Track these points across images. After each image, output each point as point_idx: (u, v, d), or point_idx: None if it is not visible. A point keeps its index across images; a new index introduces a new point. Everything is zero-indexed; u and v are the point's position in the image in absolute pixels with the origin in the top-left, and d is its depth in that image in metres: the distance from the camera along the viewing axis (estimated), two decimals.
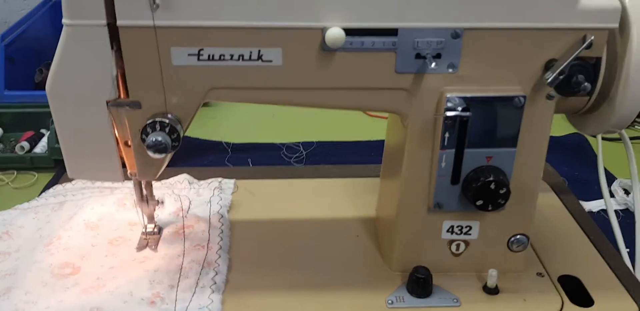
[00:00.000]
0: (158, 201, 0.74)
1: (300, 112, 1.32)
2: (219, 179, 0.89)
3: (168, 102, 0.61)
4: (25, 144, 1.08)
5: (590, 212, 1.06)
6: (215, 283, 0.68)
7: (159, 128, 0.59)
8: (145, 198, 0.73)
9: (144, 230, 0.75)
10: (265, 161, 1.15)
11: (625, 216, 1.05)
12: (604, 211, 1.07)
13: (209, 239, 0.75)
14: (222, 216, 0.80)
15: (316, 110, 1.34)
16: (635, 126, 1.28)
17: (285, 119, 1.30)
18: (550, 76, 0.59)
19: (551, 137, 1.15)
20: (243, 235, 0.77)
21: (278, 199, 0.85)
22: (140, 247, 0.73)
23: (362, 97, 0.62)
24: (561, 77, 0.59)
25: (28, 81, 1.31)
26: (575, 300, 0.68)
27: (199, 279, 0.68)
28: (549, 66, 0.60)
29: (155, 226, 0.75)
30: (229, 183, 0.88)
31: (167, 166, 0.99)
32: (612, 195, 1.07)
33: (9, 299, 0.66)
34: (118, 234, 0.77)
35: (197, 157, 1.13)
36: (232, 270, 0.71)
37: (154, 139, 0.59)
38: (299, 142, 1.21)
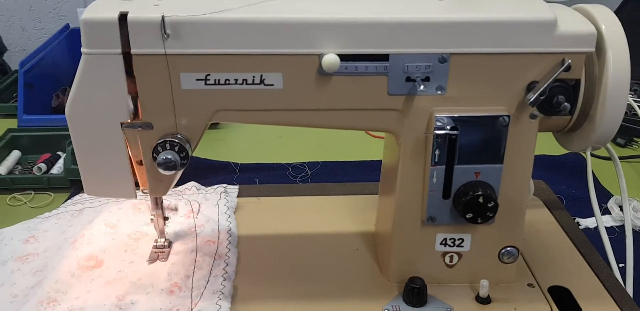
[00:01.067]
0: (174, 207, 0.78)
1: (306, 133, 1.36)
2: (224, 185, 0.97)
3: (178, 123, 0.66)
4: (43, 166, 1.13)
5: (587, 228, 1.09)
6: (226, 272, 0.76)
7: (169, 147, 0.64)
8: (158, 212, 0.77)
9: (155, 244, 0.79)
10: (272, 180, 1.19)
11: (621, 232, 1.07)
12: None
13: (218, 236, 0.83)
14: (229, 216, 0.87)
15: (321, 131, 1.39)
16: (634, 145, 1.32)
17: (291, 140, 1.35)
18: (532, 97, 0.64)
19: (549, 156, 1.20)
20: (248, 248, 0.81)
21: (282, 214, 0.89)
22: (152, 260, 0.77)
23: (358, 117, 0.67)
24: (542, 97, 0.64)
25: (45, 106, 1.37)
26: (564, 310, 0.71)
27: (211, 269, 0.76)
28: (530, 87, 0.65)
29: (165, 239, 0.79)
30: (233, 188, 0.96)
31: (178, 185, 1.05)
32: (609, 212, 1.10)
33: (41, 287, 0.73)
34: (135, 230, 0.83)
35: (207, 177, 1.17)
36: (237, 280, 0.75)
37: (164, 157, 0.63)
38: (305, 162, 1.25)
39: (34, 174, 1.11)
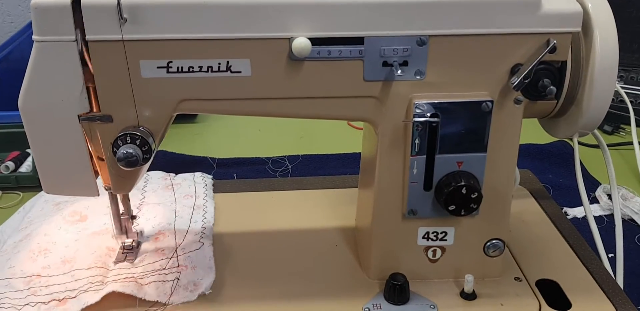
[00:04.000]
0: (134, 216, 0.74)
1: (286, 126, 1.33)
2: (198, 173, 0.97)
3: (139, 115, 0.61)
4: (10, 164, 1.08)
5: (576, 218, 1.06)
6: (205, 218, 0.82)
7: (129, 141, 0.60)
8: (122, 212, 0.73)
9: (121, 244, 0.75)
10: (251, 175, 1.15)
11: (610, 221, 1.05)
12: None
13: (195, 191, 0.89)
14: (205, 179, 0.93)
15: (301, 124, 1.36)
16: (621, 132, 1.29)
17: (271, 133, 1.31)
18: (516, 81, 0.60)
19: (536, 145, 1.17)
20: (224, 246, 0.77)
21: (260, 210, 0.85)
22: (118, 260, 0.72)
23: (332, 105, 0.63)
24: (526, 81, 0.60)
25: (13, 102, 1.31)
26: (553, 304, 0.68)
27: (191, 217, 0.82)
28: (514, 70, 0.61)
29: (133, 240, 0.75)
30: (208, 177, 0.96)
31: None
32: (597, 201, 1.08)
33: (31, 239, 0.77)
34: None
35: (183, 173, 1.13)
36: (213, 285, 0.71)
37: (124, 152, 0.59)
38: (285, 156, 1.22)
39: (1, 172, 1.06)
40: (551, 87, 0.61)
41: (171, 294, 0.68)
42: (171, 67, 0.59)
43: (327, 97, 0.62)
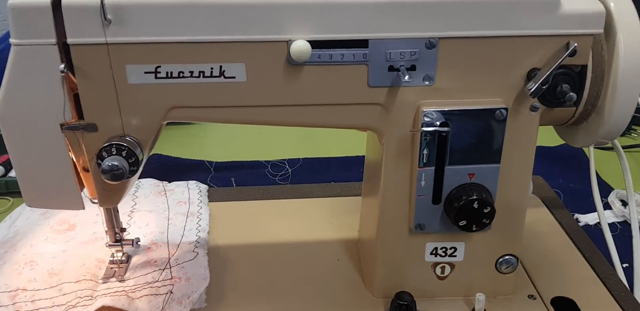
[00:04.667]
0: (124, 229, 0.70)
1: (286, 128, 1.28)
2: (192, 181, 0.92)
3: (126, 124, 0.57)
4: (0, 169, 1.04)
5: (587, 225, 1.02)
6: (200, 225, 0.78)
7: (115, 152, 0.55)
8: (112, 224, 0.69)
9: (111, 258, 0.70)
10: (249, 180, 1.11)
11: (624, 228, 1.01)
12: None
13: (189, 197, 0.85)
14: (199, 186, 0.89)
15: None
16: (632, 134, 1.24)
17: (270, 136, 1.27)
18: (533, 86, 0.56)
19: (545, 147, 1.12)
20: (219, 259, 0.73)
21: (257, 220, 0.81)
22: (107, 277, 0.68)
23: (334, 113, 0.58)
24: (544, 87, 0.56)
25: None
26: None
27: (185, 225, 0.78)
28: (531, 75, 0.57)
29: (123, 254, 0.70)
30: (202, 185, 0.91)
31: None
32: (609, 207, 1.03)
33: (16, 251, 0.73)
34: None
35: (178, 177, 1.08)
36: (208, 298, 0.66)
37: (110, 164, 0.55)
38: (285, 160, 1.17)
39: None
40: (571, 93, 0.56)
41: (163, 308, 0.64)
42: (160, 72, 0.55)
43: (328, 104, 0.58)
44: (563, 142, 1.21)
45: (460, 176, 0.60)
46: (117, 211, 0.69)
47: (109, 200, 0.62)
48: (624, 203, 1.07)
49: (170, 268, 0.69)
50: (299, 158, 1.18)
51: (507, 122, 0.58)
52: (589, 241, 0.77)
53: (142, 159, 0.57)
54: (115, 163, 0.55)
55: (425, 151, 0.59)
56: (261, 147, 1.22)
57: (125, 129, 0.57)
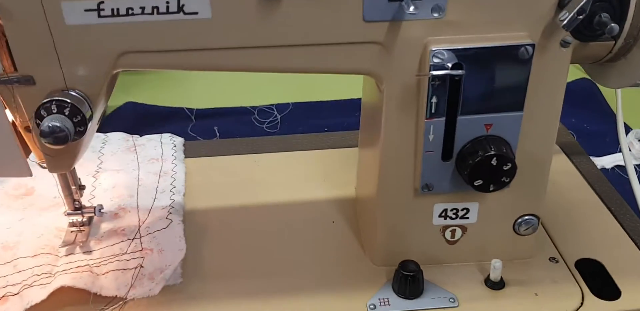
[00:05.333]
0: (82, 186, 0.61)
1: None
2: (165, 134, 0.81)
3: (67, 75, 0.47)
4: None
5: (604, 169, 0.94)
6: (174, 187, 0.69)
7: (55, 110, 0.45)
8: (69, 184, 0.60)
9: (71, 220, 0.61)
10: (234, 128, 1.02)
11: None
12: (619, 167, 0.95)
13: (162, 153, 0.75)
14: (174, 140, 0.78)
15: None
16: None
17: (256, 79, 1.16)
18: (567, 17, 0.45)
19: None
20: (197, 227, 0.64)
21: (241, 180, 0.72)
22: (67, 243, 0.60)
23: (321, 56, 0.48)
24: (580, 17, 0.45)
25: None
26: (597, 291, 0.56)
27: (157, 186, 0.69)
28: (563, 3, 0.46)
29: (83, 215, 0.61)
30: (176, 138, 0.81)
31: None
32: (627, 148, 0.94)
33: None
34: None
35: (156, 127, 1.00)
36: (185, 274, 0.58)
37: (49, 126, 0.45)
38: (273, 105, 1.08)
39: None
40: (612, 24, 0.46)
41: (132, 286, 0.56)
42: (103, 9, 0.44)
43: (314, 44, 0.47)
44: (576, 76, 1.12)
45: (476, 128, 0.50)
46: (75, 175, 0.60)
47: (59, 165, 0.53)
48: None
49: (141, 238, 0.60)
50: (288, 103, 1.09)
51: (533, 62, 0.48)
52: (615, 193, 0.68)
53: (91, 117, 0.48)
54: (56, 124, 0.45)
55: (434, 99, 0.49)
56: (247, 91, 1.12)
57: (68, 82, 0.47)
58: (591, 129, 1.04)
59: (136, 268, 0.57)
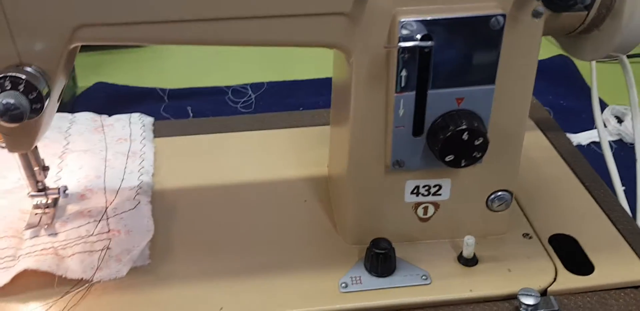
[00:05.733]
0: (46, 167, 0.59)
1: (247, 48, 1.15)
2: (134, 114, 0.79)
3: (21, 50, 0.45)
4: None
5: (580, 146, 0.94)
6: (143, 167, 0.68)
7: (9, 87, 0.43)
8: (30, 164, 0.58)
9: (35, 202, 0.60)
10: (208, 108, 1.01)
11: (619, 147, 0.93)
12: (595, 143, 0.95)
13: (130, 133, 0.73)
14: (142, 120, 0.76)
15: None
16: None
17: (230, 57, 1.14)
18: None
19: None
20: (165, 205, 0.63)
21: (211, 159, 0.70)
22: (31, 225, 0.58)
23: (285, 28, 0.46)
24: None
25: None
26: (571, 266, 0.55)
27: (125, 167, 0.67)
28: None
29: (47, 197, 0.59)
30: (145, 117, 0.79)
31: None
32: (603, 125, 0.94)
33: None
34: None
35: (128, 107, 0.98)
36: (152, 255, 0.57)
37: (3, 103, 0.43)
38: (247, 84, 1.06)
39: None
40: None
41: (98, 268, 0.54)
42: None
43: (277, 16, 0.45)
44: (552, 53, 1.11)
45: (447, 102, 0.49)
46: (38, 155, 0.58)
47: (18, 144, 0.51)
48: (620, 120, 0.98)
49: (108, 219, 0.59)
50: (262, 82, 1.07)
51: (504, 33, 0.46)
52: (590, 168, 0.68)
53: (49, 94, 0.46)
54: (11, 101, 0.43)
55: (403, 73, 0.47)
56: (220, 70, 1.11)
57: (22, 57, 0.45)
58: (567, 106, 1.04)
59: (103, 250, 0.56)
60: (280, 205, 0.63)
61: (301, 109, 0.97)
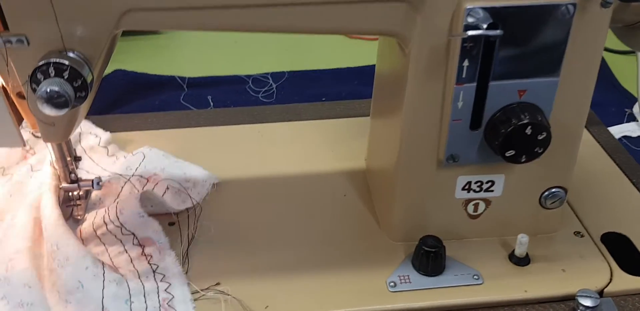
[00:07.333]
0: (78, 157, 0.57)
1: (267, 36, 1.13)
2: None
3: (66, 35, 0.42)
4: None
5: None
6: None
7: (53, 73, 0.41)
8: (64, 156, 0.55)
9: (69, 194, 0.57)
10: (228, 97, 0.98)
11: None
12: (627, 138, 0.93)
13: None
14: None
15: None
16: None
17: (250, 46, 1.11)
18: None
19: None
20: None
21: (242, 151, 0.67)
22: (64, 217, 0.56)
23: (343, 16, 0.44)
24: None
25: None
26: (626, 266, 0.53)
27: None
28: None
29: (80, 189, 0.57)
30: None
31: (103, 113, 0.82)
32: (634, 119, 0.93)
33: None
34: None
35: (146, 97, 0.95)
36: (190, 251, 0.55)
37: (48, 90, 0.40)
38: (268, 73, 1.03)
39: None
40: None
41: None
42: None
43: (336, 2, 0.43)
44: None
45: (508, 94, 0.47)
46: (70, 145, 0.55)
47: (55, 134, 0.48)
48: None
49: None
50: (283, 71, 1.04)
51: (572, 22, 0.44)
52: (635, 164, 0.66)
53: (92, 82, 0.43)
54: (55, 88, 0.40)
55: (465, 63, 0.45)
56: (240, 59, 1.07)
57: (66, 42, 0.42)
58: (595, 100, 1.01)
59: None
60: (320, 200, 0.61)
61: (324, 99, 0.95)
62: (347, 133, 0.70)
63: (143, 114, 0.77)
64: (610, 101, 1.01)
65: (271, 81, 1.02)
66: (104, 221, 0.53)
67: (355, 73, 1.01)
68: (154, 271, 0.51)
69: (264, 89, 1.01)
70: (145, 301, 0.49)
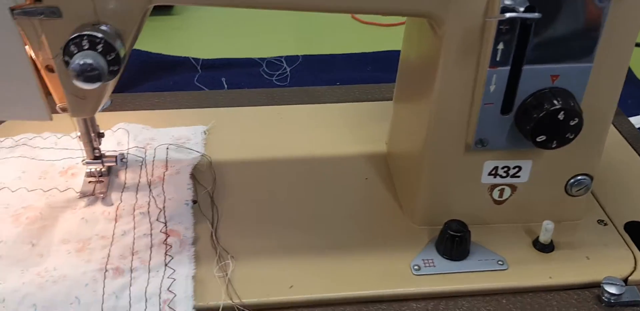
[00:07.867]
0: (101, 133, 0.56)
1: (281, 19, 1.12)
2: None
3: (99, 8, 0.41)
4: None
5: None
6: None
7: (87, 46, 0.40)
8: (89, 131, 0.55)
9: (88, 170, 0.57)
10: (243, 80, 0.97)
11: None
12: None
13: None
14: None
15: (299, 17, 1.14)
16: None
17: (264, 29, 1.11)
18: None
19: None
20: (221, 182, 0.60)
21: (260, 133, 0.67)
22: (85, 193, 0.55)
23: None
24: None
25: None
26: None
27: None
28: None
29: (103, 164, 0.57)
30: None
31: (119, 91, 0.82)
32: None
33: None
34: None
35: (161, 77, 0.94)
36: (217, 231, 0.54)
37: (81, 63, 0.40)
38: (282, 57, 1.03)
39: None
40: None
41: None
42: None
43: None
44: None
45: (541, 79, 0.46)
46: (94, 121, 0.55)
47: (82, 109, 0.48)
48: None
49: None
50: (297, 55, 1.03)
51: (610, 7, 0.44)
52: None
53: (124, 56, 0.43)
54: (89, 61, 0.40)
55: (499, 46, 0.45)
56: (253, 42, 1.07)
57: (100, 15, 0.42)
58: None
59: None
60: (342, 183, 0.61)
61: (337, 83, 0.94)
62: (366, 117, 0.70)
63: (162, 93, 0.76)
64: (626, 93, 1.00)
65: (285, 65, 1.02)
66: (149, 203, 0.54)
67: (368, 59, 1.01)
68: (165, 265, 0.50)
69: (277, 73, 1.00)
70: (146, 309, 0.48)
